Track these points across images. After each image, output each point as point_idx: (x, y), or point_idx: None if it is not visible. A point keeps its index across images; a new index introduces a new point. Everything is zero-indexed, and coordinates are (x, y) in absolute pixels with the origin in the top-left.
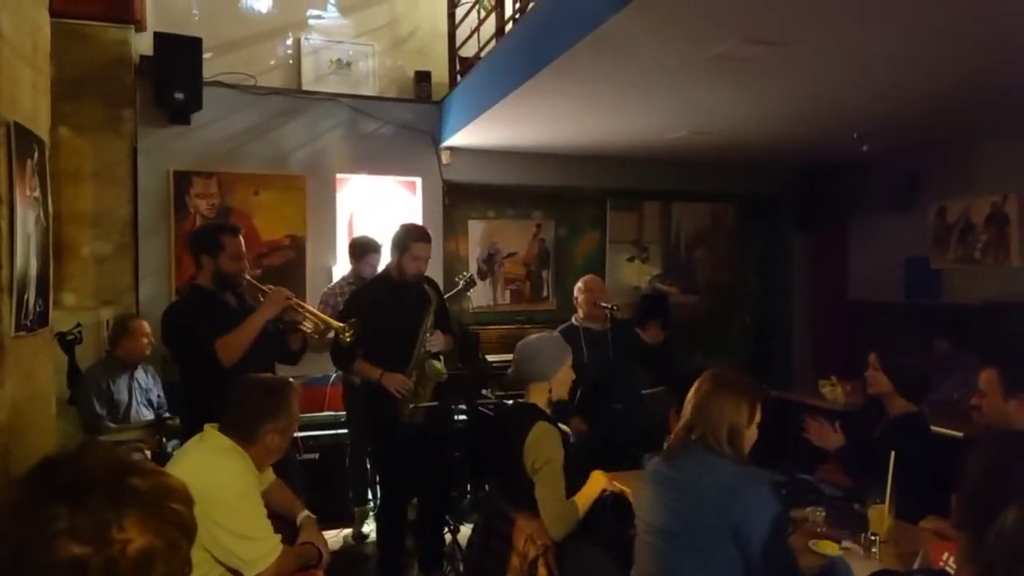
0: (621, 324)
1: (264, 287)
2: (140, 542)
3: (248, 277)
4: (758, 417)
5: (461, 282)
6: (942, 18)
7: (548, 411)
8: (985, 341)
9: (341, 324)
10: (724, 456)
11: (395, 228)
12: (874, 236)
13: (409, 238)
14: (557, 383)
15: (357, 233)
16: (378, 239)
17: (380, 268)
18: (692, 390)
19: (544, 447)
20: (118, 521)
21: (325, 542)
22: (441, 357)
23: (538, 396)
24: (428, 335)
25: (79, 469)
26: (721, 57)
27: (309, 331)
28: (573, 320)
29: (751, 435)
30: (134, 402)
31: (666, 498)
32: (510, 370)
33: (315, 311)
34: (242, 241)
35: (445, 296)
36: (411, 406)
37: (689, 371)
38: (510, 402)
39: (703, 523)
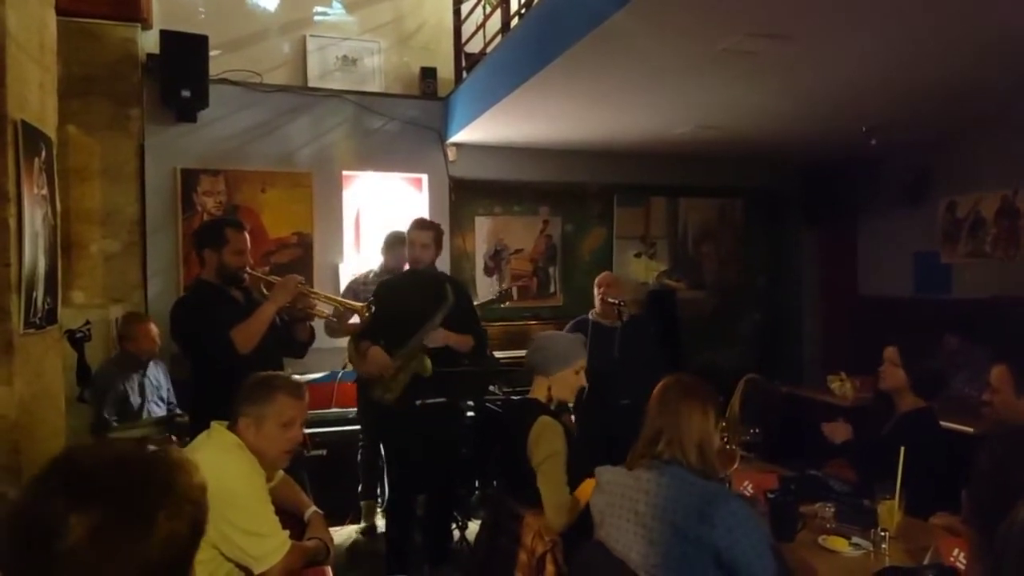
0: (632, 320)
1: (270, 277)
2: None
3: (250, 270)
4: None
5: (497, 294)
6: (949, 10)
7: (551, 406)
8: (995, 336)
9: (359, 304)
10: (692, 470)
11: (403, 225)
12: (883, 231)
13: (409, 228)
14: (557, 382)
15: (365, 230)
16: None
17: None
18: (655, 400)
19: (545, 441)
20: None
21: (332, 538)
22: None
23: (538, 391)
24: (431, 331)
25: (99, 464)
26: (727, 51)
27: (327, 315)
28: (589, 314)
29: (716, 441)
30: (147, 401)
31: (636, 523)
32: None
33: (328, 294)
34: (247, 237)
35: (479, 303)
36: (382, 391)
37: (698, 367)
38: (518, 399)
39: (678, 553)
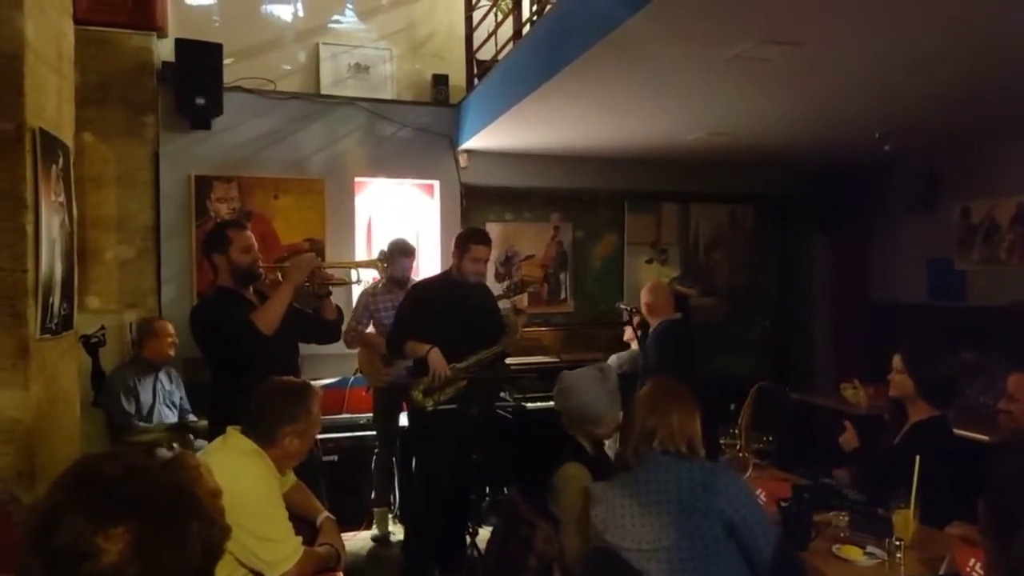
0: (646, 327)
1: (284, 265)
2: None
3: (263, 264)
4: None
5: (503, 289)
6: (962, 17)
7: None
8: (1011, 344)
9: (373, 259)
10: (687, 458)
11: (414, 231)
12: (896, 237)
13: (469, 240)
14: (579, 435)
15: (376, 236)
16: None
17: (412, 271)
18: (642, 402)
19: (568, 495)
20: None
21: (343, 544)
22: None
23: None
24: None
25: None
26: (738, 58)
27: (349, 281)
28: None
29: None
30: (157, 403)
31: (642, 514)
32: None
33: (341, 262)
34: (250, 235)
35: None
36: (422, 395)
37: (710, 374)
38: (530, 405)
39: (688, 528)
